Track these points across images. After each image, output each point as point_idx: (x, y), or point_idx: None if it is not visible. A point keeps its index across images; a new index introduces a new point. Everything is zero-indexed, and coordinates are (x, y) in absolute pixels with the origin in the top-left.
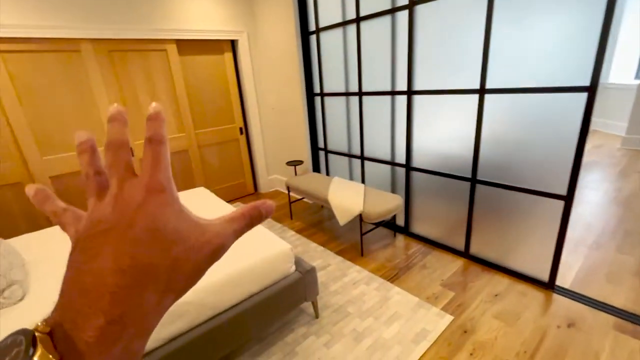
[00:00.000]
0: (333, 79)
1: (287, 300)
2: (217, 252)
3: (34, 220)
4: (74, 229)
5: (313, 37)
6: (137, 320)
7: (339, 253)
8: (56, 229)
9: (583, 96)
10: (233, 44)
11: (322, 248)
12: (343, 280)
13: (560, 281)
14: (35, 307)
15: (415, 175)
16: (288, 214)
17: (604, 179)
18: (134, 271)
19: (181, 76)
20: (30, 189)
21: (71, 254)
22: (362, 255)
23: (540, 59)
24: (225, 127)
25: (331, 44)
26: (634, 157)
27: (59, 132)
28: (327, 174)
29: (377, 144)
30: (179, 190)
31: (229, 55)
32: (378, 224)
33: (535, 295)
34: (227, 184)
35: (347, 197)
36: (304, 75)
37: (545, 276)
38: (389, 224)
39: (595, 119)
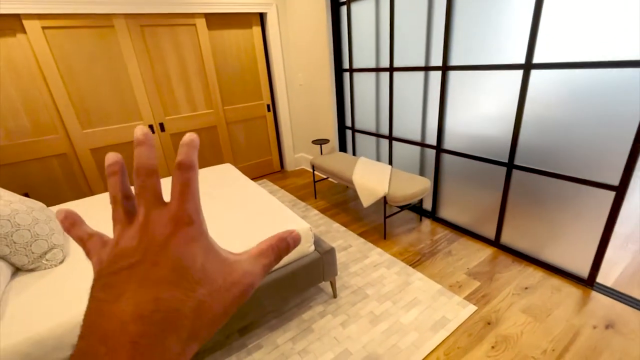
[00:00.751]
0: (363, 53)
1: (304, 279)
2: (245, 292)
3: (79, 189)
4: (97, 258)
5: (344, 9)
6: None
7: (361, 235)
8: (98, 197)
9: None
10: (262, 17)
11: (344, 229)
12: (364, 262)
13: (601, 279)
14: (73, 270)
15: (446, 157)
16: (312, 193)
17: None
18: (157, 317)
19: (210, 51)
20: (60, 214)
21: (93, 287)
22: (384, 238)
23: (599, 28)
24: (253, 104)
25: (363, 16)
26: None
27: (96, 106)
28: (354, 153)
29: (407, 124)
30: (206, 165)
31: (257, 30)
32: (403, 207)
33: (571, 292)
34: (253, 161)
35: (372, 179)
36: (333, 51)
37: (584, 272)
38: (415, 208)
39: None
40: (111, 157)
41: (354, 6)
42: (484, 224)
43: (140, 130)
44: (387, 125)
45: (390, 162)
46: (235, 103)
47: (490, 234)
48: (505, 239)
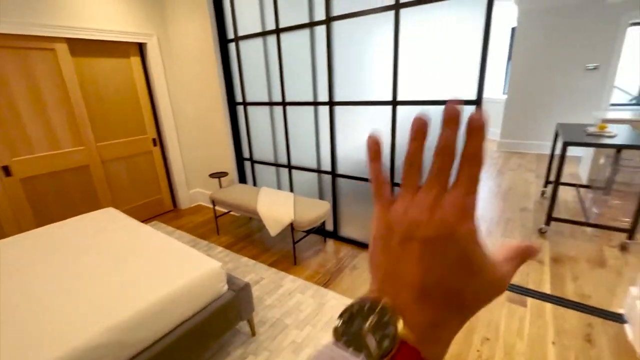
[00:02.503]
0: (256, 88)
1: (221, 323)
2: (500, 292)
3: None
4: (385, 211)
5: (232, 46)
6: (448, 331)
7: (271, 265)
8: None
9: (472, 108)
10: (141, 47)
11: (253, 262)
12: (278, 292)
13: None
14: None
15: (340, 181)
16: (214, 229)
17: (487, 177)
18: (450, 291)
19: (76, 81)
20: (372, 139)
21: (387, 239)
22: (295, 264)
23: (440, 76)
24: (135, 139)
25: (252, 54)
26: (507, 158)
27: None
28: (255, 184)
29: (303, 153)
30: (77, 212)
31: (136, 60)
32: (309, 231)
33: None
34: (140, 201)
35: (277, 207)
36: (225, 84)
37: None
38: (319, 230)
39: None
40: (422, 122)
41: (243, 43)
42: None
43: (455, 109)
44: (285, 155)
45: (292, 190)
46: (113, 138)
47: None
48: None
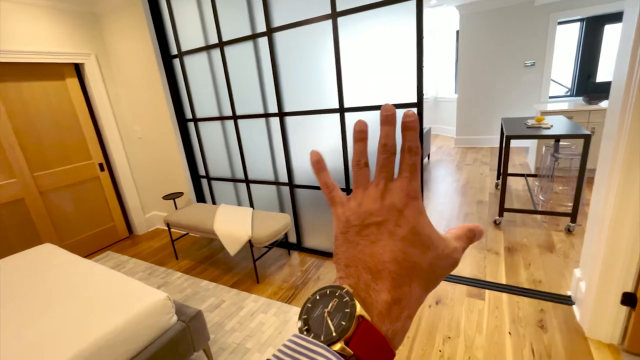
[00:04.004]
0: (205, 104)
1: (171, 358)
2: (454, 265)
3: None
4: (342, 210)
5: (177, 62)
6: (409, 305)
7: (233, 285)
8: None
9: (414, 110)
10: (78, 68)
11: (214, 284)
12: (240, 314)
13: None
14: None
15: (299, 192)
16: (173, 254)
17: (447, 173)
18: (406, 264)
19: (2, 107)
20: (314, 155)
21: (346, 233)
22: (258, 282)
23: (382, 82)
24: (78, 165)
25: (198, 69)
26: (463, 153)
27: None
28: (213, 202)
29: (260, 166)
30: (11, 251)
31: (73, 82)
32: (271, 246)
33: None
34: (90, 231)
35: (234, 225)
36: (173, 101)
37: None
38: (282, 243)
39: (436, 126)
40: (362, 124)
41: (187, 59)
42: None
43: (389, 110)
44: (241, 170)
45: (252, 204)
46: (53, 167)
47: None
48: None
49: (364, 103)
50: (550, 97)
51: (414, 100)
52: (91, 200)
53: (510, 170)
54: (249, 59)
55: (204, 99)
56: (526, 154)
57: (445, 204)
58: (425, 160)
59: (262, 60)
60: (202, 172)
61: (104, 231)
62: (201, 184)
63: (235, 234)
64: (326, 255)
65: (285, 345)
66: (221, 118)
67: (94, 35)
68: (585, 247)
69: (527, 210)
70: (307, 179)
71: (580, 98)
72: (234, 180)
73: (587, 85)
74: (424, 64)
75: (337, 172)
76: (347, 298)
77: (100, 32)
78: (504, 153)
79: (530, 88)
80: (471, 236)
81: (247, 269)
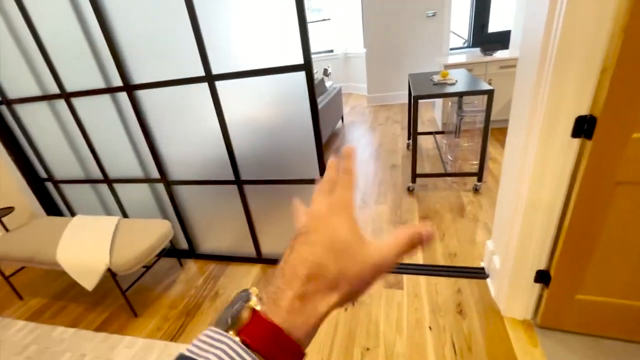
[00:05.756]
0: (17, 78)
1: None
2: (380, 269)
3: None
4: (304, 216)
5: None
6: (312, 300)
7: (100, 327)
8: None
9: (302, 74)
10: None
11: (73, 330)
12: None
13: None
14: None
15: (180, 189)
16: (12, 293)
17: (361, 135)
18: (313, 266)
19: None
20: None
21: (296, 235)
22: (136, 315)
23: (259, 43)
24: None
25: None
26: (376, 112)
27: None
28: (71, 213)
29: (120, 160)
30: None
31: None
32: (158, 257)
33: None
34: None
35: (85, 249)
36: None
37: None
38: (171, 252)
39: (348, 84)
40: (350, 150)
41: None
42: (243, 245)
43: (349, 150)
44: (95, 166)
45: (123, 211)
46: None
47: (252, 251)
48: (266, 250)
49: (240, 68)
50: (451, 49)
51: (300, 61)
52: None
53: (419, 129)
54: (67, 12)
55: (14, 72)
56: (433, 108)
57: (360, 172)
58: (339, 123)
59: (85, 13)
60: (43, 174)
61: None
62: (47, 190)
63: (87, 263)
64: (228, 259)
65: (197, 339)
66: (46, 97)
67: None
68: (496, 221)
69: (437, 174)
70: (185, 172)
71: (478, 49)
72: (91, 181)
73: (482, 35)
74: (329, 17)
75: (224, 163)
76: (247, 294)
77: None
78: (413, 114)
79: (432, 40)
80: (416, 240)
81: (119, 300)
